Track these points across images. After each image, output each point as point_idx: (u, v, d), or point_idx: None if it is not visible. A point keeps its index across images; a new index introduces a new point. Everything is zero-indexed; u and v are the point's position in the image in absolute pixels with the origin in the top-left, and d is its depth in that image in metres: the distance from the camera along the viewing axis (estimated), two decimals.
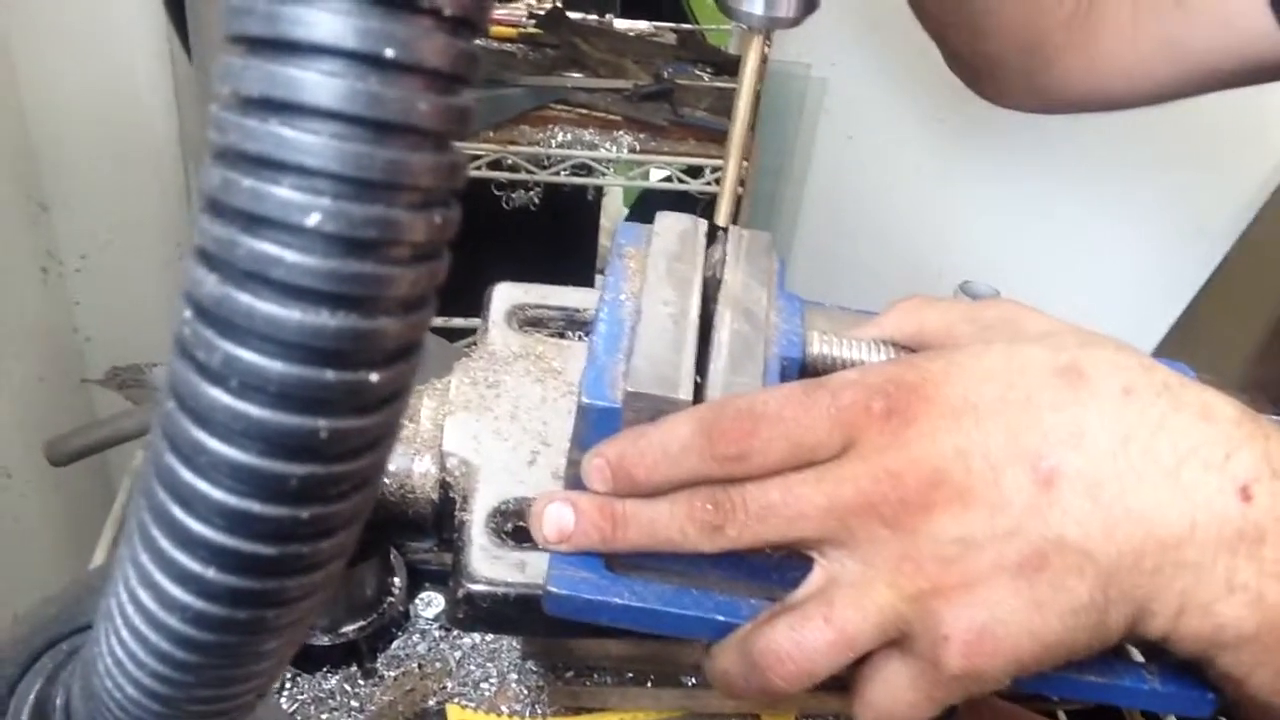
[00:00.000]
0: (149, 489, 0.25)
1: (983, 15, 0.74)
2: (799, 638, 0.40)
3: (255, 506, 0.23)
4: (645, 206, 1.77)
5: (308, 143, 0.21)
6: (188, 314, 0.23)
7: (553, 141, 1.24)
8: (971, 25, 0.75)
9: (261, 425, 0.23)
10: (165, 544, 0.25)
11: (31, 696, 0.40)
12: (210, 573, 0.24)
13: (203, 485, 0.23)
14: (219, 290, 0.22)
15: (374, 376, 0.23)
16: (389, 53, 0.21)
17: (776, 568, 0.45)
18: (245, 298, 0.22)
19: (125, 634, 0.27)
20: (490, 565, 0.48)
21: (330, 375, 0.22)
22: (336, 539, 0.26)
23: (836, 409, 0.41)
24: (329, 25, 0.21)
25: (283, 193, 0.21)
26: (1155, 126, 1.00)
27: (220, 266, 0.22)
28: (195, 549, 0.24)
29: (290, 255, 0.21)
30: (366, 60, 0.21)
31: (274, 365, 0.22)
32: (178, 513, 0.24)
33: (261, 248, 0.21)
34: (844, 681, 0.44)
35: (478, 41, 0.23)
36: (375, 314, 0.23)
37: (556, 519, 0.44)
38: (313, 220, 0.21)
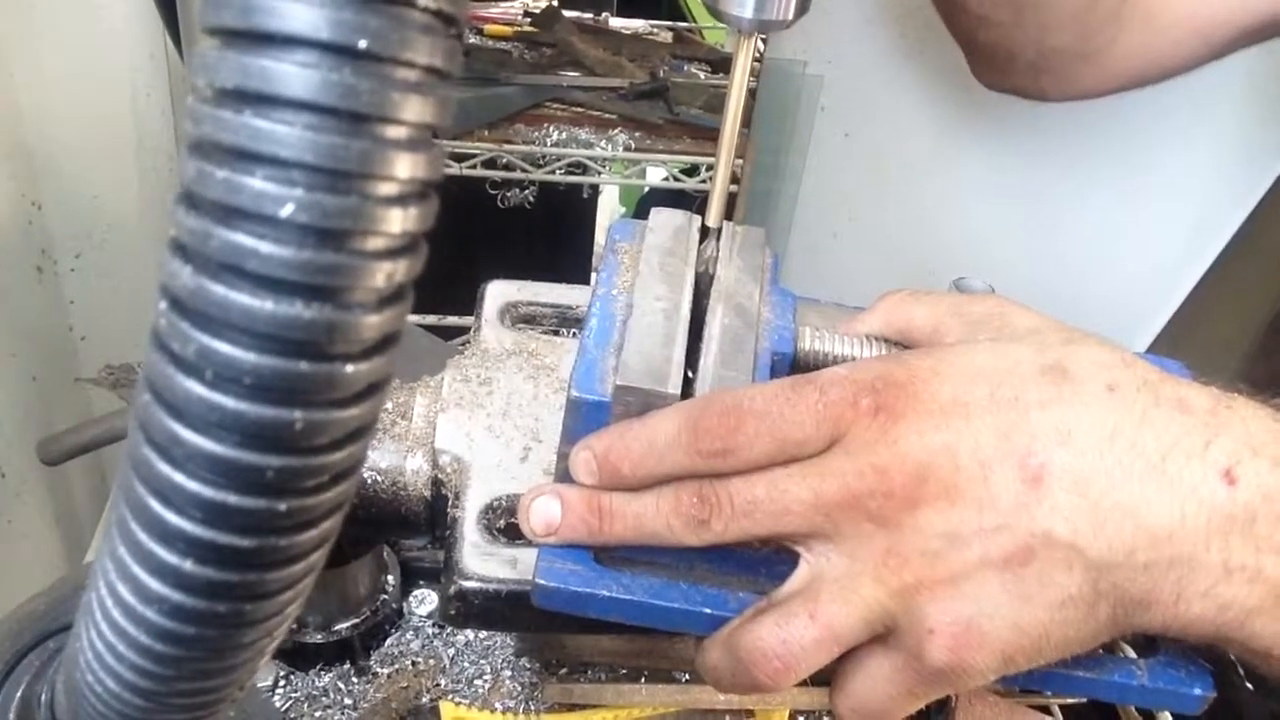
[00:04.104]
0: (127, 482, 0.25)
1: (1055, 7, 0.74)
2: (784, 635, 0.40)
3: (232, 498, 0.23)
4: (646, 209, 1.77)
5: (282, 134, 0.21)
6: (163, 306, 0.23)
7: (548, 140, 1.24)
8: (1042, 21, 0.75)
9: (237, 416, 0.23)
10: (143, 536, 0.24)
11: (18, 693, 0.40)
12: (187, 565, 0.24)
13: (179, 477, 0.23)
14: (194, 282, 0.22)
15: (349, 368, 0.23)
16: (363, 44, 0.21)
17: (765, 562, 0.45)
18: (220, 289, 0.22)
19: (105, 627, 0.27)
20: (482, 562, 0.48)
21: (305, 366, 0.22)
22: (316, 531, 0.26)
23: (824, 405, 0.41)
24: (303, 17, 0.21)
25: (257, 184, 0.21)
26: (1152, 123, 1.00)
27: (195, 258, 0.22)
28: (172, 541, 0.24)
29: (264, 246, 0.21)
30: (341, 51, 0.21)
31: (248, 356, 0.22)
32: (154, 505, 0.24)
33: (236, 239, 0.21)
34: (830, 676, 0.44)
35: (456, 34, 0.23)
36: (350, 306, 0.22)
37: (544, 512, 0.44)
38: (286, 211, 0.21)
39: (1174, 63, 0.79)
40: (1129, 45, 0.77)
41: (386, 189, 0.22)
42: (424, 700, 0.65)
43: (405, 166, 0.22)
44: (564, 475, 0.46)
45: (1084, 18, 0.75)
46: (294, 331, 0.22)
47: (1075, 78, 0.80)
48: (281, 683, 0.65)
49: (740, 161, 1.05)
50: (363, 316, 0.23)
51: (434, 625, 0.69)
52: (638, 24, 1.62)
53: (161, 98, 1.02)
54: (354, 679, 0.66)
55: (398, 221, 0.23)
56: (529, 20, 1.52)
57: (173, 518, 0.24)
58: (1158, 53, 0.78)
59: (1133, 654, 0.46)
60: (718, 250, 0.53)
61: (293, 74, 0.21)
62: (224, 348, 0.22)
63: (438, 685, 0.66)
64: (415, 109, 0.22)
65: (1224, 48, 0.78)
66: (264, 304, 0.22)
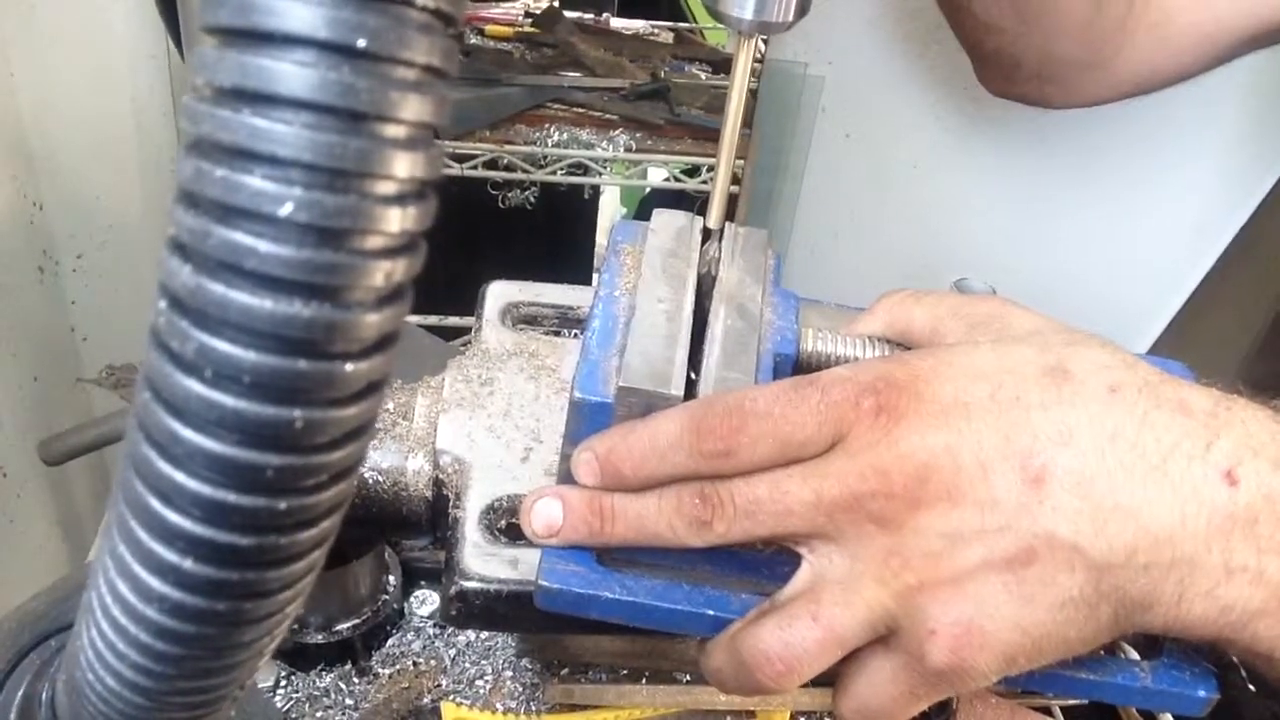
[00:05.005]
0: (126, 480, 0.25)
1: (1061, 17, 0.74)
2: (787, 637, 0.40)
3: (231, 497, 0.23)
4: (646, 209, 1.77)
5: (280, 133, 0.21)
6: (162, 304, 0.23)
7: (549, 141, 1.24)
8: (1048, 30, 0.75)
9: (236, 415, 0.23)
10: (142, 535, 0.24)
11: (20, 692, 0.40)
12: (188, 564, 0.24)
13: (179, 476, 0.23)
14: (193, 280, 0.22)
15: (349, 367, 0.23)
16: (361, 43, 0.21)
17: (767, 563, 0.45)
18: (219, 288, 0.22)
19: (105, 626, 0.27)
20: (483, 562, 0.48)
21: (304, 365, 0.22)
22: (315, 530, 0.26)
23: (825, 406, 0.41)
24: (302, 16, 0.21)
25: (255, 183, 0.21)
26: (1153, 125, 1.00)
27: (194, 257, 0.22)
28: (172, 540, 0.24)
29: (263, 245, 0.21)
30: (339, 50, 0.21)
31: (248, 355, 0.22)
32: (154, 504, 0.24)
33: (234, 238, 0.21)
34: (831, 677, 0.44)
35: (454, 33, 0.23)
36: (349, 304, 0.22)
37: (545, 514, 0.44)
38: (285, 210, 0.21)
39: (1179, 70, 0.79)
40: (1135, 54, 0.77)
41: (385, 188, 0.22)
42: (425, 701, 0.65)
43: (404, 165, 0.22)
44: (566, 476, 0.46)
45: (1090, 27, 0.75)
46: (293, 330, 0.22)
47: (1081, 86, 0.81)
48: (283, 683, 0.65)
49: (741, 162, 1.05)
50: (362, 315, 0.23)
51: (435, 626, 0.69)
52: (638, 24, 1.62)
53: (162, 97, 1.02)
54: (355, 679, 0.66)
55: (396, 220, 0.23)
56: (530, 21, 1.52)
57: (172, 516, 0.24)
58: (1163, 61, 0.78)
59: (1136, 655, 0.46)
60: (720, 251, 0.53)
61: (291, 73, 0.21)
62: (223, 346, 0.22)
63: (439, 686, 0.66)
64: (414, 108, 0.22)
65: (1229, 54, 0.78)
66: (263, 302, 0.22)
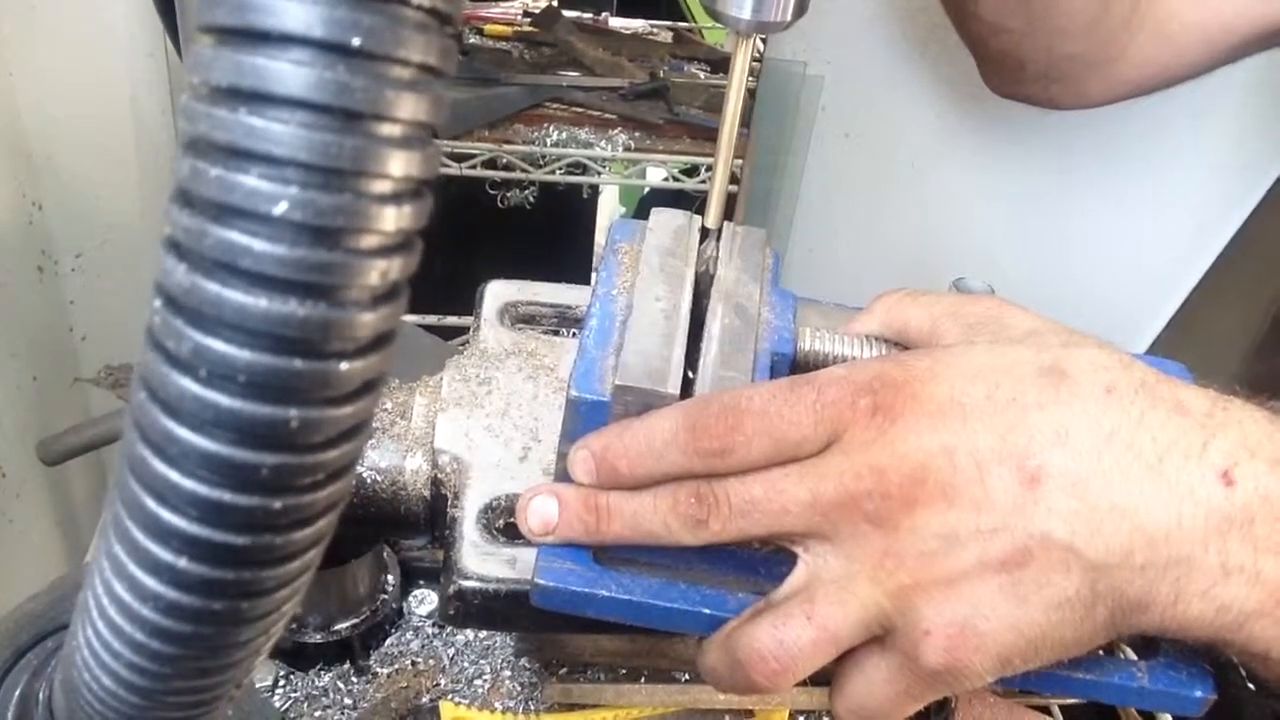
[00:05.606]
0: (122, 480, 0.25)
1: (1068, 17, 0.74)
2: (781, 636, 0.40)
3: (226, 496, 0.23)
4: (645, 209, 1.77)
5: (275, 132, 0.21)
6: (157, 304, 0.23)
7: (548, 140, 1.24)
8: (1054, 30, 0.75)
9: (231, 414, 0.23)
10: (138, 534, 0.25)
11: (17, 692, 0.40)
12: (183, 563, 0.24)
13: (174, 475, 0.23)
14: (188, 279, 0.22)
15: (344, 366, 0.23)
16: (356, 41, 0.21)
17: (763, 562, 0.45)
18: (214, 287, 0.22)
19: (101, 625, 0.27)
20: (481, 561, 0.48)
21: (299, 364, 0.22)
22: (311, 529, 0.26)
23: (821, 405, 0.41)
24: (297, 14, 0.21)
25: (250, 182, 0.21)
26: (1153, 125, 1.00)
27: (189, 256, 0.22)
28: (168, 539, 0.24)
29: (258, 244, 0.21)
30: (334, 49, 0.21)
31: (243, 354, 0.22)
32: (150, 503, 0.24)
33: (229, 237, 0.21)
34: (829, 676, 0.44)
35: (451, 32, 0.23)
36: (344, 303, 0.22)
37: (541, 511, 0.44)
38: (280, 209, 0.21)
39: (1183, 70, 0.80)
40: (1140, 53, 0.78)
41: (380, 186, 0.22)
42: (424, 700, 0.65)
43: (399, 164, 0.22)
44: (563, 475, 0.46)
45: (1096, 26, 0.75)
46: (288, 329, 0.22)
47: (1086, 85, 0.81)
48: (281, 682, 0.65)
49: (740, 162, 1.05)
50: (357, 314, 0.23)
51: (434, 625, 0.69)
52: (637, 24, 1.62)
53: (161, 97, 1.01)
54: (354, 679, 0.66)
55: (392, 219, 0.23)
56: (529, 20, 1.52)
57: (168, 515, 0.24)
58: (1168, 60, 0.78)
59: (1133, 655, 0.46)
60: (718, 250, 0.53)
61: (286, 71, 0.21)
62: (218, 345, 0.22)
63: (437, 685, 0.66)
64: (409, 107, 0.22)
65: (1233, 54, 0.78)
66: (258, 301, 0.22)
